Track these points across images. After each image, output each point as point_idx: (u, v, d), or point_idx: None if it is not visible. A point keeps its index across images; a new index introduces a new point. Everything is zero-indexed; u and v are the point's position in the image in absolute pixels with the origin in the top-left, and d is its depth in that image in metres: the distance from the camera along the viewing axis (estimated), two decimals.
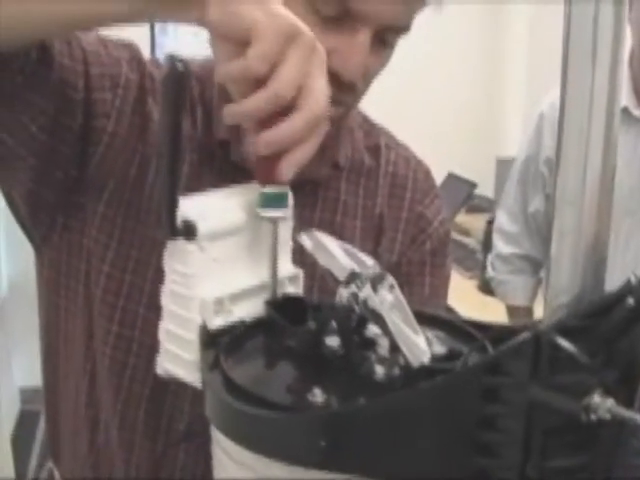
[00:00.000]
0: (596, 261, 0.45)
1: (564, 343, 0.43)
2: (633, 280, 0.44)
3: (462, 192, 3.10)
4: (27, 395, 3.30)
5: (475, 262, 2.82)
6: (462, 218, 3.21)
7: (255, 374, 0.56)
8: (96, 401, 0.84)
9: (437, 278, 0.92)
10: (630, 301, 0.43)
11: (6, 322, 3.18)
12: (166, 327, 0.63)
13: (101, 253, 0.80)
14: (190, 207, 0.59)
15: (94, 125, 0.77)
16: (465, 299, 2.60)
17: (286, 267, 0.65)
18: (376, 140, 0.93)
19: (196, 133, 0.82)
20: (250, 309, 0.62)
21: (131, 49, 0.81)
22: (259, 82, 0.58)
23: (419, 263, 0.91)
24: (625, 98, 1.64)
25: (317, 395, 0.51)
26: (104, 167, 0.79)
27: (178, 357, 0.62)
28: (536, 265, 1.97)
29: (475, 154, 3.56)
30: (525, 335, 0.44)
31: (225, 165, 0.81)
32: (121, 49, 0.80)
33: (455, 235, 3.14)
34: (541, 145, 1.83)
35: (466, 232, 3.13)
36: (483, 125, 3.73)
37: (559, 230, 0.45)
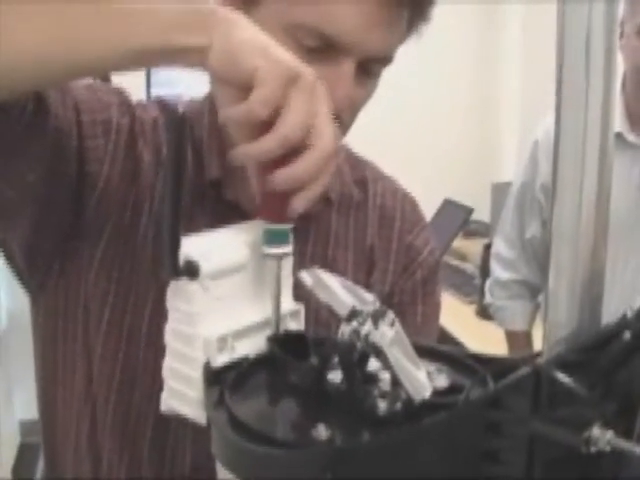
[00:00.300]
0: (593, 296, 0.46)
1: (563, 377, 0.44)
2: (629, 314, 0.45)
3: (459, 217, 3.12)
4: (27, 428, 3.28)
5: (473, 287, 2.82)
6: (459, 243, 3.22)
7: (259, 411, 0.57)
8: (98, 442, 0.84)
9: (429, 306, 0.93)
10: (627, 335, 0.44)
11: (6, 355, 3.17)
12: (170, 365, 0.63)
13: (101, 298, 0.81)
14: (192, 247, 0.60)
15: (89, 171, 0.79)
16: (464, 324, 2.61)
17: (287, 303, 0.66)
18: (362, 173, 0.95)
19: (187, 174, 0.83)
20: (253, 346, 0.63)
21: (120, 94, 0.83)
22: (261, 124, 0.59)
23: (411, 292, 0.92)
24: (618, 123, 1.68)
25: (321, 431, 0.52)
26: (100, 212, 0.80)
27: (182, 394, 0.62)
28: (534, 290, 1.98)
29: (471, 180, 3.59)
30: (525, 370, 0.45)
31: (218, 205, 0.82)
32: (110, 94, 0.82)
33: (452, 260, 3.15)
34: (537, 172, 1.85)
35: (463, 257, 3.14)
36: (478, 151, 3.76)
37: (556, 266, 0.46)
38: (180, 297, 0.61)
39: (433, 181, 3.33)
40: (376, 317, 0.56)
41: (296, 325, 0.67)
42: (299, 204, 0.61)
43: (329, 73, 0.74)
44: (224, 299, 0.62)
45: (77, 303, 0.82)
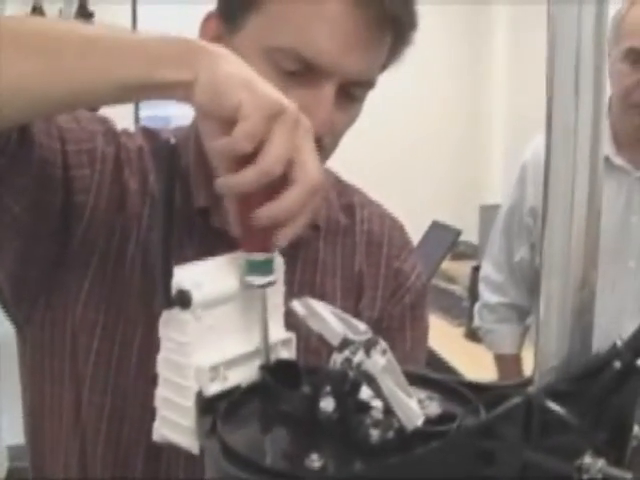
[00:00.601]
0: (583, 325, 0.46)
1: (554, 406, 0.44)
2: (619, 344, 0.45)
3: (447, 239, 3.13)
4: (16, 452, 3.25)
5: (461, 310, 2.83)
6: (447, 265, 3.23)
7: (252, 440, 0.57)
8: (88, 473, 0.83)
9: (417, 331, 0.94)
10: (617, 364, 0.44)
11: None
12: (162, 394, 0.63)
13: (89, 330, 0.80)
14: (184, 276, 0.60)
15: (75, 201, 0.78)
16: (452, 347, 2.61)
17: (279, 331, 0.66)
18: (349, 199, 0.95)
19: (175, 203, 0.82)
20: (245, 374, 0.63)
21: (104, 122, 0.83)
22: (244, 157, 0.60)
23: (399, 317, 0.92)
24: (606, 147, 1.68)
25: (314, 460, 0.52)
26: (87, 242, 0.80)
27: (175, 424, 0.62)
28: (522, 313, 1.99)
29: (458, 202, 3.61)
30: (517, 399, 0.45)
31: (206, 233, 0.82)
32: (95, 123, 0.81)
33: (441, 283, 3.16)
34: (525, 195, 1.86)
35: (452, 279, 3.15)
36: (466, 173, 3.79)
37: (546, 295, 0.46)
38: (172, 327, 0.61)
39: (421, 203, 3.35)
40: (368, 346, 0.56)
41: (288, 354, 0.67)
42: (283, 239, 0.62)
43: (309, 97, 0.74)
44: (216, 329, 0.62)
45: (64, 335, 0.81)
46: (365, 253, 0.92)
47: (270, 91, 0.60)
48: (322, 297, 0.87)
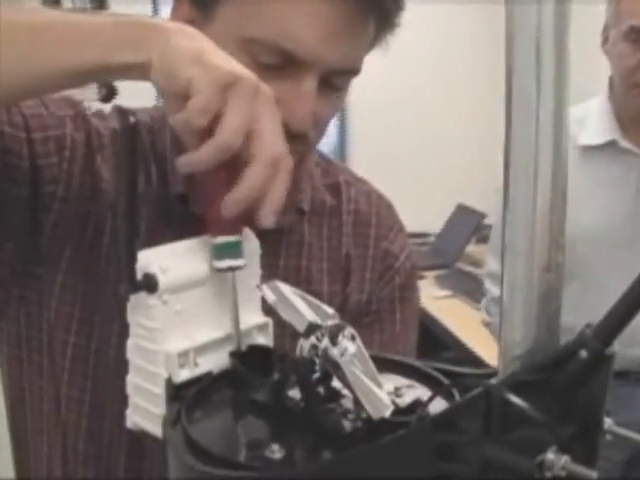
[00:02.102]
0: (549, 312, 0.43)
1: (515, 399, 0.42)
2: (587, 332, 0.42)
3: (472, 223, 3.08)
4: None
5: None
6: (472, 249, 3.18)
7: (217, 429, 0.55)
8: (70, 469, 0.81)
9: (407, 312, 0.91)
10: (583, 354, 0.42)
11: None
12: (133, 381, 0.62)
13: (64, 324, 0.78)
14: (150, 260, 0.58)
15: (43, 192, 0.75)
16: (475, 331, 2.57)
17: (254, 317, 0.64)
18: (335, 178, 0.92)
19: (151, 188, 0.80)
20: (218, 361, 0.61)
21: (75, 106, 0.79)
22: (208, 132, 0.58)
23: (389, 300, 0.90)
24: (612, 131, 1.64)
25: (275, 451, 0.50)
26: (58, 235, 0.77)
27: (146, 411, 0.61)
28: None
29: (484, 185, 3.55)
30: (475, 391, 0.43)
31: (185, 218, 0.78)
32: (64, 107, 0.78)
33: (465, 266, 3.12)
34: None
35: (476, 263, 3.11)
36: (491, 156, 3.72)
37: (509, 281, 0.44)
38: (140, 312, 0.60)
39: (446, 186, 3.30)
40: (335, 332, 0.54)
41: (264, 339, 0.65)
42: (267, 219, 0.59)
43: (290, 91, 0.71)
44: (185, 314, 0.60)
45: (40, 330, 0.79)
46: (352, 234, 0.89)
47: (223, 62, 0.58)
48: (308, 281, 0.86)
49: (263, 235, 0.82)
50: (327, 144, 3.84)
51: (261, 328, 0.64)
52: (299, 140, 0.74)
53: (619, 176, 1.64)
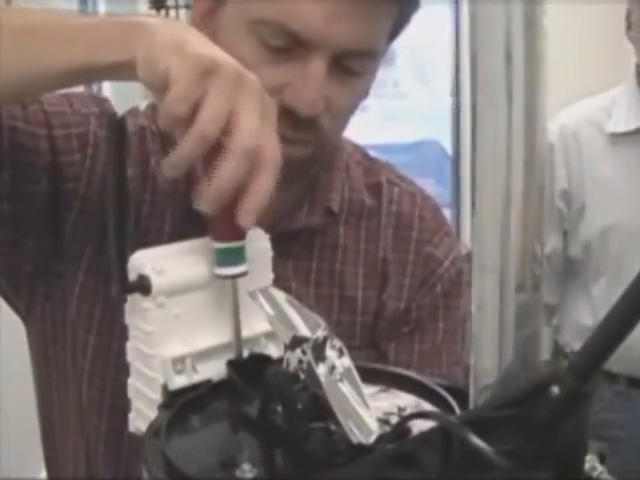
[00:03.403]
0: (523, 339, 0.37)
1: (474, 439, 0.36)
2: (563, 365, 0.36)
3: None
4: None
5: None
6: None
7: (196, 444, 0.52)
8: (93, 471, 0.81)
9: (451, 322, 0.84)
10: (555, 391, 0.35)
11: None
12: (134, 385, 0.60)
13: (85, 324, 0.77)
14: (144, 261, 0.56)
15: (64, 189, 0.74)
16: None
17: (263, 323, 0.60)
18: (377, 177, 0.86)
19: (177, 188, 0.77)
20: (219, 368, 0.58)
21: (101, 103, 0.78)
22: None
23: (430, 308, 0.84)
24: (636, 119, 1.55)
25: (246, 471, 0.47)
26: (79, 233, 0.76)
27: (147, 416, 0.59)
28: (550, 312, 1.79)
29: None
30: (433, 427, 0.37)
31: (186, 217, 0.76)
32: (90, 104, 0.77)
33: None
34: (554, 178, 1.67)
35: None
36: None
37: (478, 303, 0.38)
38: (136, 314, 0.58)
39: None
40: (320, 345, 0.49)
41: (274, 347, 0.61)
42: (244, 218, 0.55)
43: (297, 74, 0.68)
44: (184, 318, 0.58)
45: (65, 328, 0.79)
46: (392, 238, 0.84)
47: (202, 50, 0.55)
48: (342, 286, 0.81)
49: (294, 237, 0.79)
50: None
51: (270, 335, 0.61)
52: (310, 128, 0.70)
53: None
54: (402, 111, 4.48)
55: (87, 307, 0.77)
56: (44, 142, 0.72)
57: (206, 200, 0.54)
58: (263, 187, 0.55)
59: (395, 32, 0.74)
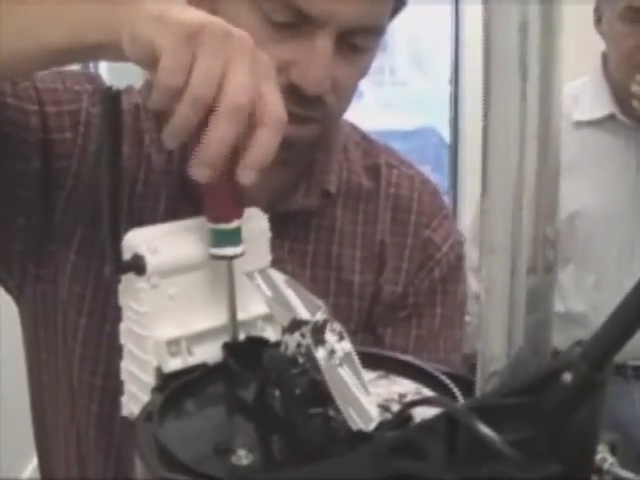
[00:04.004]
0: (534, 323, 0.36)
1: (481, 427, 0.34)
2: (575, 351, 0.34)
3: None
4: None
5: None
6: None
7: (190, 429, 0.50)
8: (83, 455, 0.79)
9: (449, 307, 0.83)
10: (567, 378, 0.34)
11: None
12: (127, 367, 0.58)
13: (76, 305, 0.75)
14: (139, 240, 0.54)
15: (55, 167, 0.72)
16: None
17: (260, 305, 0.59)
18: (376, 159, 0.84)
19: (172, 167, 0.75)
20: (215, 351, 0.56)
21: (94, 80, 0.76)
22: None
23: (428, 292, 0.82)
24: (609, 105, 1.57)
25: (242, 457, 0.45)
26: (71, 212, 0.74)
27: (139, 399, 0.57)
28: None
29: None
30: (438, 415, 0.36)
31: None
32: (83, 81, 0.75)
33: None
34: None
35: None
36: None
37: (487, 286, 0.36)
38: (130, 295, 0.56)
39: None
40: (319, 328, 0.48)
41: (271, 330, 0.59)
42: (242, 175, 0.52)
43: (303, 51, 0.66)
44: (179, 299, 0.56)
45: (55, 310, 0.77)
46: (390, 221, 0.82)
47: (184, 15, 0.53)
48: (339, 269, 0.79)
49: (290, 219, 0.77)
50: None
51: (267, 318, 0.59)
52: (315, 106, 0.68)
53: (618, 151, 1.57)
54: (400, 98, 4.46)
55: (78, 288, 0.75)
56: (35, 119, 0.70)
57: (198, 166, 0.52)
58: (263, 143, 0.52)
59: (397, 8, 0.72)
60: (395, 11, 0.72)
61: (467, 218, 2.58)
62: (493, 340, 0.36)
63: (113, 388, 0.74)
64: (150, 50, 0.52)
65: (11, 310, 0.83)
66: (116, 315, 0.73)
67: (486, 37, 0.33)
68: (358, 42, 0.69)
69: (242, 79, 0.51)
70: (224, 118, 0.51)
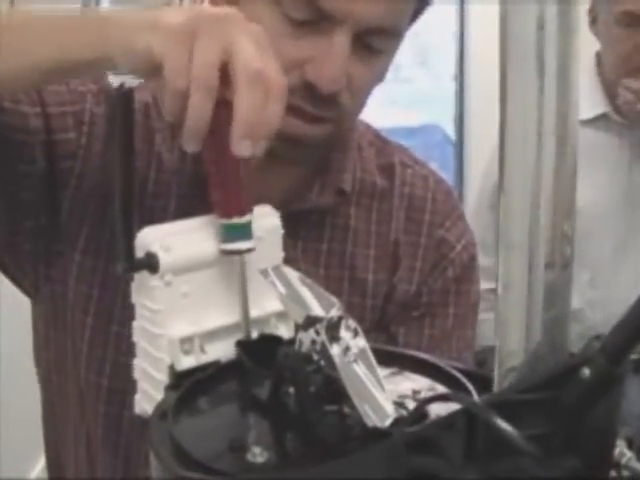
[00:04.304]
0: (552, 318, 0.36)
1: (500, 423, 0.34)
2: (594, 346, 0.34)
3: None
4: None
5: None
6: None
7: (205, 426, 0.50)
8: (92, 456, 0.79)
9: (462, 307, 0.83)
10: (586, 373, 0.34)
11: None
12: (140, 365, 0.58)
13: (83, 305, 0.75)
14: (152, 238, 0.54)
15: (60, 168, 0.73)
16: None
17: (274, 302, 0.59)
18: (390, 158, 0.84)
19: (185, 165, 0.75)
20: (228, 349, 0.56)
21: (99, 80, 0.76)
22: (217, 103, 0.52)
23: (441, 292, 0.82)
24: (602, 105, 1.57)
25: (257, 455, 0.45)
26: (76, 212, 0.74)
27: (152, 398, 0.57)
28: None
29: None
30: (456, 411, 0.36)
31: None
32: (87, 82, 0.75)
33: None
34: None
35: None
36: None
37: (504, 281, 0.36)
38: (143, 292, 0.56)
39: None
40: (334, 325, 0.48)
41: (285, 327, 0.59)
42: (236, 148, 0.52)
43: (320, 48, 0.66)
44: (192, 297, 0.56)
45: (64, 310, 0.77)
46: (404, 220, 0.82)
47: (177, 18, 0.53)
48: (352, 268, 0.80)
49: (304, 217, 0.77)
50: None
51: (281, 316, 0.59)
52: (330, 105, 0.68)
53: (612, 150, 1.57)
54: (404, 95, 4.45)
55: (84, 288, 0.75)
56: (36, 120, 0.70)
57: (240, 137, 0.51)
58: (273, 114, 0.52)
59: (417, 12, 0.73)
60: (417, 13, 0.72)
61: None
62: (511, 336, 0.36)
63: (120, 388, 0.74)
64: (149, 58, 0.52)
65: (11, 310, 0.83)
66: (123, 315, 0.74)
67: (503, 34, 0.33)
68: (375, 43, 0.69)
69: (250, 49, 0.52)
70: (248, 83, 0.51)
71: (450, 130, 3.93)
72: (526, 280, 0.35)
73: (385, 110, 4.30)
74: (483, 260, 1.88)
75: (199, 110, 0.52)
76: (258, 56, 0.52)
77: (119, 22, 0.56)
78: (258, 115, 0.51)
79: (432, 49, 4.45)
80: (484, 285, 1.92)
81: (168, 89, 0.52)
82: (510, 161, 0.35)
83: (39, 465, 2.37)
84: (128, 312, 0.72)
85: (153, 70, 0.53)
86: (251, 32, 0.53)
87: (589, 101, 1.59)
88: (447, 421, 0.36)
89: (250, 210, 0.55)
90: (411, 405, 0.49)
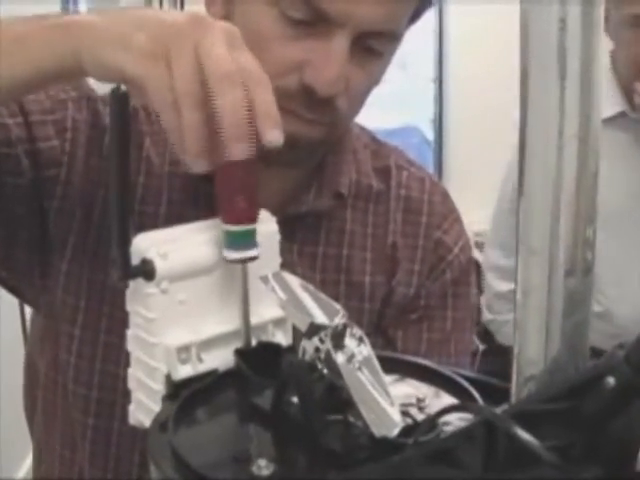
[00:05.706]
0: (572, 326, 0.35)
1: (521, 433, 0.33)
2: (618, 355, 0.33)
3: None
4: None
5: None
6: None
7: (207, 437, 0.49)
8: (80, 471, 0.77)
9: (460, 310, 0.82)
10: (610, 382, 0.33)
11: None
12: (135, 375, 0.57)
13: (69, 316, 0.74)
14: (148, 244, 0.53)
15: (45, 176, 0.71)
16: None
17: (271, 309, 0.57)
18: (385, 161, 0.84)
19: (177, 170, 0.74)
20: (226, 358, 0.55)
21: (79, 87, 0.75)
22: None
23: (439, 295, 0.82)
24: (619, 103, 1.58)
25: (262, 467, 0.44)
26: (62, 221, 0.72)
27: (148, 408, 0.56)
28: None
29: None
30: (475, 421, 0.35)
31: (212, 200, 0.71)
32: (68, 90, 0.74)
33: None
34: None
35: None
36: None
37: (523, 288, 0.35)
38: (138, 300, 0.54)
39: None
40: (339, 333, 0.46)
41: (282, 335, 0.58)
42: (271, 135, 0.51)
43: (318, 51, 0.65)
44: (189, 305, 0.55)
45: (55, 320, 0.75)
46: (401, 222, 0.81)
47: (143, 35, 0.51)
48: (349, 271, 0.79)
49: (300, 221, 0.76)
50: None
51: (278, 323, 0.58)
52: (326, 108, 0.67)
53: (629, 148, 1.57)
54: (382, 97, 4.45)
55: (71, 298, 0.74)
56: (19, 130, 0.69)
57: (230, 140, 0.49)
58: (266, 99, 0.51)
59: (416, 15, 0.72)
60: (413, 19, 0.72)
61: None
62: (530, 343, 0.35)
63: (108, 400, 0.72)
64: (121, 76, 0.52)
65: (11, 311, 0.82)
66: (110, 325, 0.72)
67: (525, 35, 0.33)
68: (374, 45, 0.68)
69: (217, 51, 0.50)
70: (221, 82, 0.49)
71: (429, 132, 3.93)
72: (546, 287, 0.34)
73: (363, 112, 4.30)
74: (505, 262, 1.88)
75: (194, 128, 0.50)
76: (227, 56, 0.50)
77: (89, 32, 0.54)
78: (242, 113, 0.50)
79: (410, 51, 4.46)
80: (507, 286, 1.91)
81: (160, 107, 0.51)
82: (530, 164, 0.34)
83: (26, 465, 2.34)
84: (116, 321, 0.71)
85: (124, 83, 0.51)
86: (220, 32, 0.52)
87: (607, 100, 1.58)
88: (466, 432, 0.35)
89: (256, 217, 0.54)
90: (415, 413, 0.48)
